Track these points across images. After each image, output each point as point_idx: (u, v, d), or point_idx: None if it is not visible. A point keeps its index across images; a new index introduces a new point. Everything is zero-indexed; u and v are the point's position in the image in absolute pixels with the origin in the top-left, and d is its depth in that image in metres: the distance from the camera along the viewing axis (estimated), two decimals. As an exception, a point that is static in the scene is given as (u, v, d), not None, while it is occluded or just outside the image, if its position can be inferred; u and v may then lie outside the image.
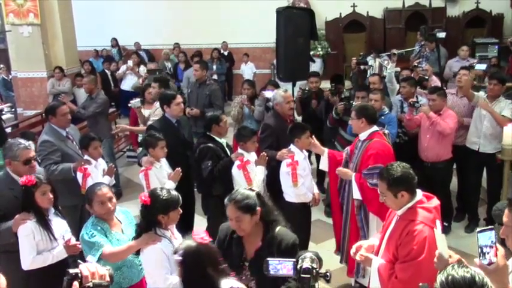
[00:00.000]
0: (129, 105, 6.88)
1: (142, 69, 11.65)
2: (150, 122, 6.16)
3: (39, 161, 5.25)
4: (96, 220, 3.55)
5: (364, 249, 3.28)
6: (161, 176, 4.88)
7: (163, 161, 5.00)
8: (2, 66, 12.71)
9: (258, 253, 3.00)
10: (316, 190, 5.12)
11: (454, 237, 5.75)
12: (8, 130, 9.01)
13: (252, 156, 4.95)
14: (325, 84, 8.26)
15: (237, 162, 4.84)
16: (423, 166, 5.75)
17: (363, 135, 4.60)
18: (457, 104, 6.17)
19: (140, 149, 7.01)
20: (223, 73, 13.23)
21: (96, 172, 5.00)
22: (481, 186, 6.29)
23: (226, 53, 13.91)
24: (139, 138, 6.81)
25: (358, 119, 4.57)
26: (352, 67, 7.99)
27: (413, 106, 5.84)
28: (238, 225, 3.00)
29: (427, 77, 6.92)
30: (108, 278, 1.90)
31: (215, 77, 11.25)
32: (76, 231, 5.46)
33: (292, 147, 4.87)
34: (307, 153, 4.97)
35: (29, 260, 3.59)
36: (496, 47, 11.49)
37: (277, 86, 6.77)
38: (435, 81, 6.83)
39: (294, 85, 7.94)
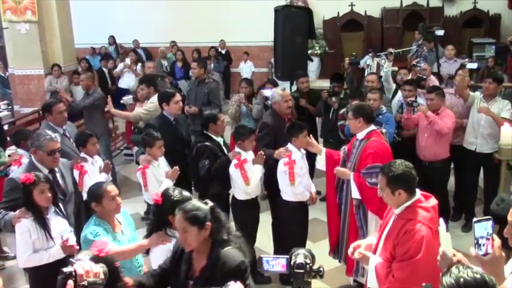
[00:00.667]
0: (122, 101, 6.89)
1: (140, 67, 11.64)
2: (138, 110, 6.23)
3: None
4: (98, 220, 3.51)
5: (366, 245, 3.29)
6: (159, 175, 4.87)
7: (161, 159, 4.99)
8: (-1, 63, 12.68)
9: (202, 272, 2.84)
10: (313, 189, 5.13)
11: (451, 237, 5.72)
12: (5, 127, 8.99)
13: (249, 155, 4.95)
14: (324, 83, 8.26)
15: (234, 161, 4.83)
16: (421, 165, 5.75)
17: (360, 135, 4.60)
18: (456, 104, 6.18)
19: (135, 148, 7.02)
20: (221, 71, 13.21)
21: (93, 169, 5.00)
22: (478, 186, 6.31)
23: (223, 52, 13.89)
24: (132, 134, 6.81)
25: (356, 119, 4.57)
26: (346, 67, 8.00)
27: (412, 105, 5.85)
28: (185, 237, 2.79)
29: (425, 77, 6.93)
30: (102, 276, 1.89)
31: (216, 77, 11.18)
32: (73, 228, 5.48)
33: (289, 146, 4.87)
34: (304, 152, 4.97)
35: (24, 258, 3.59)
36: (493, 47, 11.51)
37: (275, 85, 6.77)
38: (433, 81, 6.84)
39: (291, 84, 7.95)
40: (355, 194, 4.54)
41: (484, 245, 2.05)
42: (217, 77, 11.44)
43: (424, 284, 1.96)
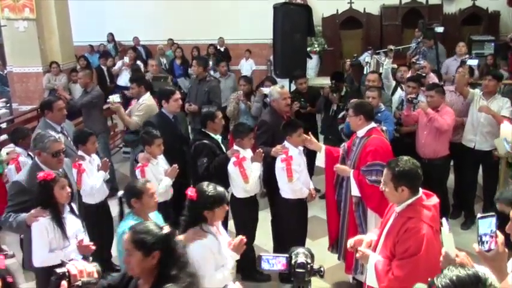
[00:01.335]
0: (108, 100, 6.85)
1: (139, 65, 11.60)
2: (134, 117, 6.24)
3: (33, 156, 5.25)
4: (136, 217, 3.48)
5: (366, 243, 3.27)
6: (157, 173, 4.87)
7: (160, 157, 4.98)
8: (-3, 61, 12.64)
9: None
10: (312, 185, 5.12)
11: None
12: (3, 125, 8.97)
13: (248, 153, 4.94)
14: (323, 81, 8.25)
15: (233, 159, 4.82)
16: (420, 162, 5.71)
17: (360, 132, 4.59)
18: (456, 101, 6.17)
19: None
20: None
21: (91, 168, 4.99)
22: (478, 183, 6.30)
23: (222, 49, 13.86)
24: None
25: (356, 116, 4.56)
26: (347, 68, 7.98)
27: (412, 102, 5.84)
28: (128, 260, 2.53)
29: (424, 74, 6.91)
30: (96, 275, 1.87)
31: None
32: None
33: (286, 143, 4.87)
34: (302, 148, 4.96)
35: (41, 257, 3.55)
36: (492, 44, 11.51)
37: (274, 82, 6.75)
38: (433, 79, 6.82)
39: (291, 81, 7.93)
40: (355, 191, 4.53)
41: (487, 241, 2.04)
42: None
43: (429, 279, 1.94)
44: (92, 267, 1.89)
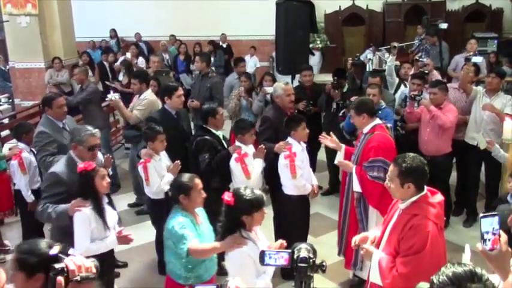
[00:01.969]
0: (106, 98, 6.84)
1: (141, 61, 11.59)
2: (135, 111, 6.25)
3: (35, 151, 5.25)
4: (184, 212, 3.46)
5: (370, 241, 3.26)
6: (160, 169, 4.86)
7: (163, 153, 4.98)
8: (-1, 56, 12.64)
9: None
10: (314, 182, 5.11)
11: (452, 232, 5.76)
12: (5, 121, 8.98)
13: (249, 149, 4.93)
14: (324, 78, 8.23)
15: (234, 155, 4.82)
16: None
17: (366, 129, 4.58)
18: (459, 99, 6.16)
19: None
20: (221, 65, 13.18)
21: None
22: (480, 181, 6.29)
23: (225, 46, 13.85)
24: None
25: (359, 116, 4.56)
26: (348, 67, 7.97)
27: (415, 99, 5.83)
28: (12, 280, 2.19)
29: (427, 71, 6.90)
30: (94, 270, 1.86)
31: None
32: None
33: (289, 139, 4.87)
34: (304, 145, 4.96)
35: (84, 247, 3.52)
36: (496, 41, 11.47)
37: (273, 78, 6.74)
38: (436, 76, 6.81)
39: (293, 78, 7.92)
40: (356, 187, 4.53)
41: (490, 240, 2.04)
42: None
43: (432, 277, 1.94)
44: (90, 263, 1.87)
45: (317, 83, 7.38)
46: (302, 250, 2.45)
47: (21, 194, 5.40)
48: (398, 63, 7.61)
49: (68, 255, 1.89)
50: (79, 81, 7.52)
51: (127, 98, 7.18)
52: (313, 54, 11.38)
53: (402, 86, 6.76)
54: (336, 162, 4.93)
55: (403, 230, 3.05)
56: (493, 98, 5.83)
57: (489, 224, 2.04)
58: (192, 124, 6.98)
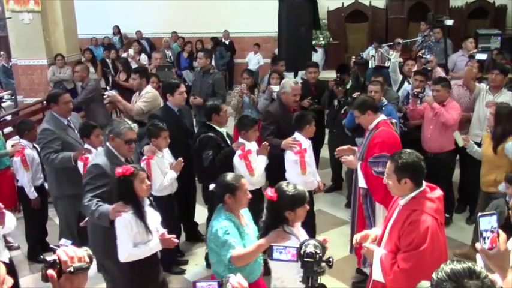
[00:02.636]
0: (104, 96, 6.82)
1: (144, 58, 11.60)
2: (139, 103, 6.20)
3: (39, 148, 5.25)
4: (229, 214, 3.35)
5: (371, 239, 3.26)
6: (163, 166, 4.86)
7: (166, 150, 4.97)
8: (2, 53, 12.67)
9: None
10: (318, 177, 5.11)
11: (455, 229, 5.75)
12: (8, 118, 9.00)
13: (253, 146, 4.93)
14: (327, 74, 8.21)
15: (238, 152, 4.81)
16: (426, 157, 5.70)
17: (371, 125, 4.56)
18: (463, 95, 6.13)
19: None
20: (225, 63, 13.19)
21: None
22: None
23: (227, 42, 13.84)
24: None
25: (364, 114, 4.53)
26: (351, 66, 7.95)
27: (418, 97, 5.82)
28: None
29: (430, 68, 6.87)
30: (87, 259, 1.81)
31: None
32: (76, 221, 5.47)
33: (297, 135, 4.86)
34: (310, 141, 4.97)
35: (127, 253, 3.48)
36: (499, 38, 11.43)
37: (281, 76, 6.72)
38: (440, 73, 6.78)
39: (295, 75, 7.91)
40: (362, 183, 4.52)
41: (489, 238, 2.04)
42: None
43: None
44: (83, 252, 1.81)
45: (320, 79, 7.36)
46: (309, 246, 2.48)
47: (25, 191, 5.41)
48: (401, 59, 7.59)
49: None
50: (80, 79, 7.50)
51: (126, 95, 7.15)
52: (316, 51, 11.38)
53: (406, 83, 6.74)
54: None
55: (403, 226, 3.05)
56: (497, 95, 5.80)
57: (487, 222, 2.04)
58: (194, 121, 6.98)
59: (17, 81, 11.02)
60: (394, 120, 4.94)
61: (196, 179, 5.66)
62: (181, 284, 4.99)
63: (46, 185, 5.53)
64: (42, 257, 1.79)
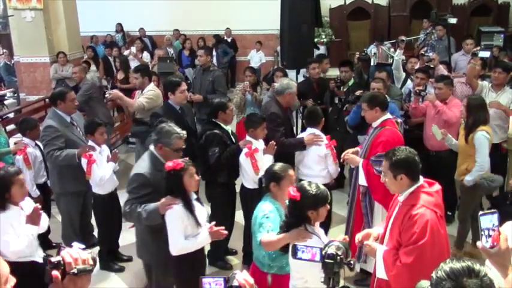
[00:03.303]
0: (106, 95, 6.81)
1: (146, 55, 11.60)
2: (141, 99, 6.20)
3: (42, 146, 5.26)
4: (273, 200, 3.48)
5: (373, 238, 3.27)
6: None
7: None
8: (4, 51, 12.69)
9: None
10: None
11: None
12: (11, 115, 9.00)
13: (260, 144, 4.92)
14: (330, 72, 8.19)
15: (245, 150, 4.79)
16: (428, 155, 5.72)
17: (375, 123, 4.56)
18: (466, 93, 6.12)
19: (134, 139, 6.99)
20: (228, 61, 13.20)
21: (100, 158, 4.99)
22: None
23: (229, 40, 13.83)
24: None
25: (372, 109, 4.52)
26: (355, 62, 7.94)
27: (420, 95, 5.81)
28: None
29: (432, 66, 6.87)
30: (91, 262, 1.84)
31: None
32: (79, 218, 5.49)
33: (315, 130, 5.06)
34: None
35: (179, 245, 3.53)
36: (502, 35, 11.38)
37: (285, 73, 6.71)
38: (442, 71, 6.77)
39: (298, 72, 7.90)
40: (362, 180, 4.53)
41: (490, 237, 2.05)
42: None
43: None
44: (87, 254, 1.84)
45: (323, 77, 7.35)
46: (331, 247, 2.51)
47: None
48: (404, 57, 7.58)
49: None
50: (79, 80, 7.48)
51: (125, 95, 7.14)
52: (318, 49, 11.33)
53: (409, 81, 6.73)
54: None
55: (402, 222, 3.07)
56: (499, 93, 5.80)
57: (489, 221, 2.05)
58: (195, 118, 6.98)
59: (20, 78, 11.03)
60: (399, 120, 4.94)
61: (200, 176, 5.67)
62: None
63: (49, 183, 5.55)
64: (46, 257, 1.80)
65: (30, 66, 10.23)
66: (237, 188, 5.25)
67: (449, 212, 5.77)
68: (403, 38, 7.33)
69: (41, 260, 3.70)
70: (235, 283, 2.07)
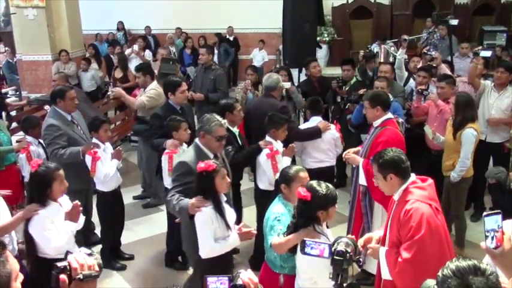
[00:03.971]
0: (108, 93, 6.80)
1: (148, 54, 11.60)
2: (142, 97, 6.21)
3: (45, 145, 5.26)
4: (285, 201, 3.47)
5: (375, 241, 3.27)
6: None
7: (185, 145, 4.91)
8: (7, 49, 12.69)
9: None
10: None
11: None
12: (13, 113, 9.02)
13: (279, 145, 4.87)
14: (333, 71, 8.19)
15: (266, 151, 4.74)
16: (430, 154, 5.72)
17: (376, 122, 4.54)
18: (469, 93, 6.09)
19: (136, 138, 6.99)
20: (230, 60, 13.20)
21: (105, 155, 4.99)
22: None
23: (231, 38, 13.83)
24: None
25: (373, 108, 4.50)
26: (359, 59, 7.92)
27: (422, 94, 5.80)
28: None
29: (435, 65, 6.85)
30: (97, 268, 1.87)
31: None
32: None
33: (318, 118, 5.31)
34: None
35: (209, 248, 3.50)
36: (505, 34, 11.34)
37: (289, 72, 6.71)
38: (444, 70, 6.75)
39: (300, 71, 7.89)
40: (362, 180, 4.52)
41: (494, 238, 2.05)
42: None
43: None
44: (93, 260, 1.88)
45: (325, 76, 7.34)
46: (341, 243, 2.51)
47: (30, 187, 5.42)
48: (406, 56, 7.57)
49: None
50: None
51: (127, 92, 7.13)
52: (321, 47, 11.34)
53: (411, 80, 6.72)
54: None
55: (399, 219, 3.08)
56: (502, 93, 5.78)
57: (494, 221, 2.05)
58: (195, 118, 6.98)
59: (22, 76, 11.04)
60: (400, 120, 4.92)
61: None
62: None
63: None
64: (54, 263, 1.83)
65: (32, 64, 10.24)
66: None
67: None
68: (406, 37, 7.30)
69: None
70: (239, 282, 2.07)
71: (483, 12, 13.01)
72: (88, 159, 4.84)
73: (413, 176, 3.21)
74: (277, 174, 4.64)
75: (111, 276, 5.10)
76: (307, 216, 3.14)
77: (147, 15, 13.89)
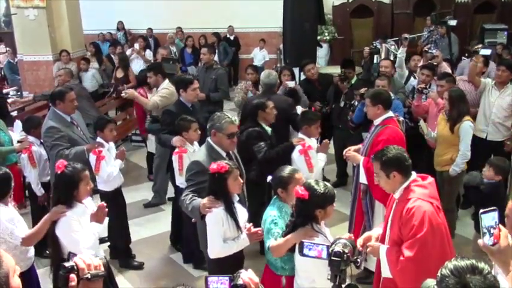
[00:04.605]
0: (122, 94, 6.83)
1: (149, 54, 11.60)
2: (154, 97, 6.23)
3: (48, 148, 5.25)
4: (282, 203, 3.46)
5: (375, 239, 3.27)
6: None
7: (196, 144, 4.93)
8: (7, 49, 12.70)
9: None
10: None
11: (461, 225, 5.73)
12: (14, 114, 9.02)
13: (313, 142, 4.91)
14: (333, 70, 8.19)
15: (298, 147, 4.79)
16: (430, 153, 5.71)
17: (377, 121, 4.55)
18: (469, 91, 6.10)
19: (149, 135, 7.00)
20: (229, 59, 13.19)
21: (109, 155, 5.00)
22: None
23: (232, 38, 13.82)
24: (147, 123, 6.77)
25: (374, 106, 4.50)
26: (365, 55, 7.92)
27: (422, 92, 5.80)
28: None
29: (435, 63, 6.85)
30: (103, 268, 1.91)
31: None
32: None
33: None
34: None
35: (218, 248, 3.50)
36: (505, 33, 11.32)
37: (292, 72, 6.73)
38: (445, 68, 6.76)
39: (300, 70, 7.89)
40: (363, 178, 4.53)
41: (491, 235, 2.06)
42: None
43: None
44: (99, 261, 1.92)
45: (324, 74, 7.34)
46: (338, 244, 2.52)
47: (32, 187, 5.43)
48: (404, 54, 7.57)
49: None
50: (62, 83, 7.16)
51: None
52: (321, 46, 11.34)
53: (412, 78, 6.72)
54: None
55: (401, 217, 3.08)
56: (503, 91, 5.79)
57: (491, 218, 2.07)
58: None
59: (23, 77, 11.06)
60: (401, 119, 4.93)
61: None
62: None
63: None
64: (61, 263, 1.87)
65: (33, 65, 10.27)
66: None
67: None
68: (406, 35, 7.31)
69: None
70: (239, 282, 2.08)
71: (484, 10, 12.98)
72: (92, 158, 4.84)
73: (414, 174, 3.21)
74: (314, 170, 4.72)
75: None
76: (305, 215, 3.14)
77: (147, 15, 13.89)
